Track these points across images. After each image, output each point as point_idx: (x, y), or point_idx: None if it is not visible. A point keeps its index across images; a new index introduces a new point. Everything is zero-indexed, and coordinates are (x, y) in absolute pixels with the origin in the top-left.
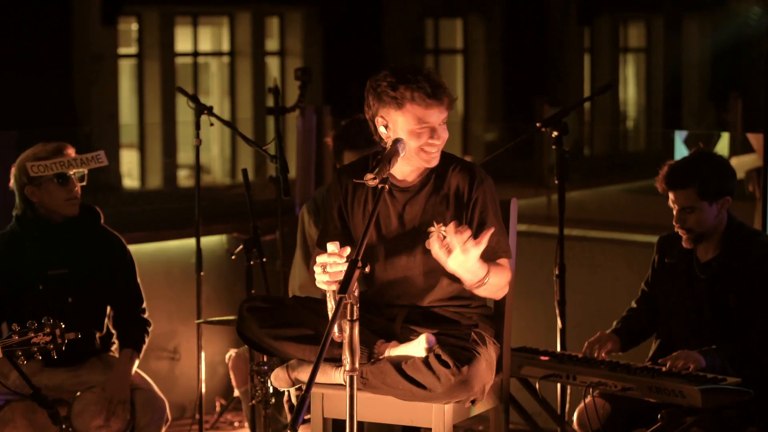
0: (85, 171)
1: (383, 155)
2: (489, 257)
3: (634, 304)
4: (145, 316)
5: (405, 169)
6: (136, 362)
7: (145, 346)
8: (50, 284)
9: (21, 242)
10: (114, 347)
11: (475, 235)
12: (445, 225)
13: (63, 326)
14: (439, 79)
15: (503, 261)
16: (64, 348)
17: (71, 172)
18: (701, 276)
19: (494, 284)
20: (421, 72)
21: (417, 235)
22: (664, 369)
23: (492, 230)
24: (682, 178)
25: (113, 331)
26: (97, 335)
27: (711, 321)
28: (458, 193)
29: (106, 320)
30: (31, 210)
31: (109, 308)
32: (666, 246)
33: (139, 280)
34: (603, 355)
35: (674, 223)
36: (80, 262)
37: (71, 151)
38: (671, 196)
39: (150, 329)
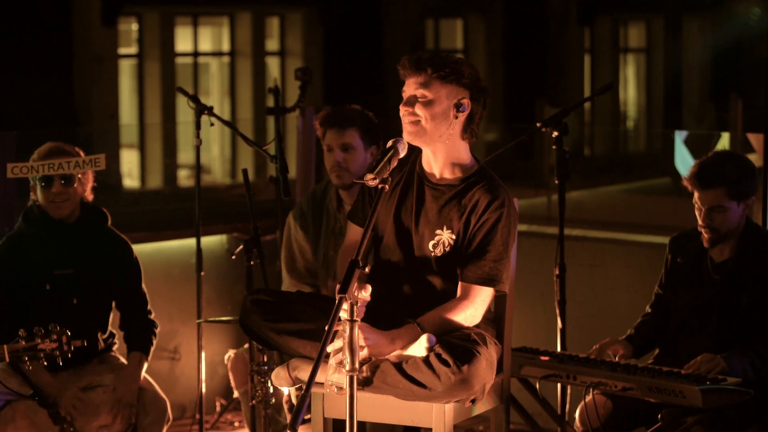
0: (80, 174)
1: (383, 154)
2: (468, 279)
3: (648, 309)
4: (151, 317)
5: (436, 164)
6: (145, 365)
7: (153, 348)
8: (56, 284)
9: (28, 242)
10: (115, 347)
11: (472, 254)
12: (453, 233)
13: (69, 334)
14: (432, 56)
15: (476, 288)
16: (70, 356)
17: (60, 176)
18: (715, 276)
19: (436, 328)
20: (436, 52)
21: (427, 231)
22: (683, 372)
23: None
24: (714, 178)
25: (115, 332)
26: (100, 336)
27: (720, 321)
28: (475, 207)
29: (109, 321)
30: (37, 207)
31: (114, 310)
32: (678, 246)
33: (144, 283)
34: (617, 359)
35: (700, 222)
36: (86, 263)
37: (70, 154)
38: (698, 195)
39: (157, 330)
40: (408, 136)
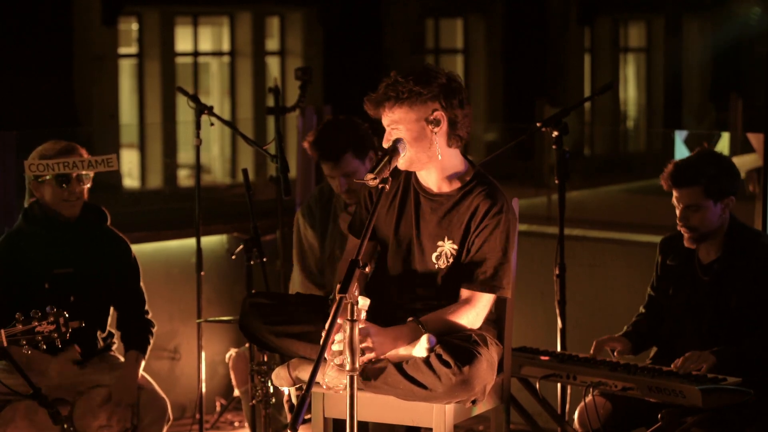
0: (90, 174)
1: (384, 154)
2: (470, 285)
3: (642, 309)
4: (149, 317)
5: (431, 178)
6: (142, 364)
7: (150, 347)
8: (55, 283)
9: (27, 240)
10: (115, 347)
11: (473, 261)
12: (454, 242)
13: (67, 315)
14: (388, 86)
15: (478, 294)
16: (68, 336)
17: (74, 174)
18: (703, 278)
19: (437, 330)
20: (391, 76)
21: (428, 243)
22: (681, 372)
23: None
24: (689, 176)
25: (114, 332)
26: (99, 335)
27: (713, 322)
28: (474, 214)
29: (108, 320)
30: (38, 206)
31: (112, 310)
32: (668, 247)
33: (142, 283)
34: (615, 355)
35: (678, 221)
36: (85, 262)
37: (81, 153)
38: (675, 193)
39: (154, 330)
40: (401, 167)
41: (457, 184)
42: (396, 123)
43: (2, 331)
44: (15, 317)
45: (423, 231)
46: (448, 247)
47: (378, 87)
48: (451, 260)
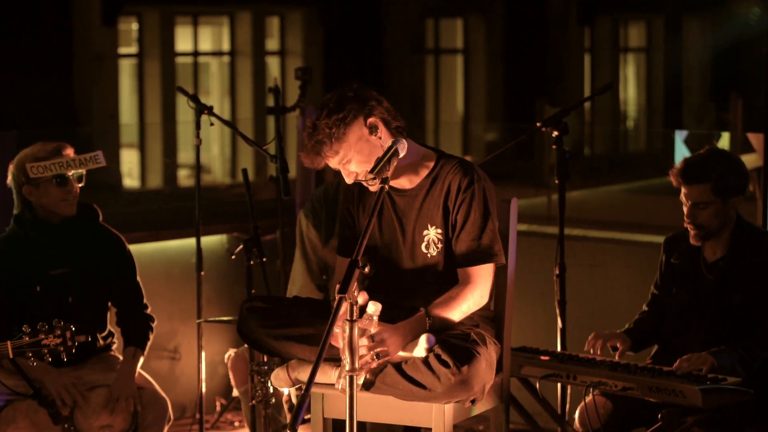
0: (84, 172)
1: (383, 156)
2: (463, 263)
3: (645, 308)
4: (148, 311)
5: (398, 175)
6: (141, 360)
7: (149, 343)
8: (52, 284)
9: (21, 244)
10: (115, 347)
11: (458, 238)
12: (437, 227)
13: (73, 329)
14: (314, 130)
15: (474, 270)
16: (74, 351)
17: (69, 173)
18: (708, 276)
19: (445, 317)
20: (308, 125)
21: (414, 238)
22: (679, 373)
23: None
24: (699, 173)
25: (114, 331)
26: (99, 335)
27: (715, 321)
28: (448, 194)
29: (108, 319)
30: (29, 210)
31: (111, 306)
32: (672, 246)
33: (138, 277)
34: (617, 353)
35: (685, 218)
36: (80, 261)
37: (70, 152)
38: (684, 190)
39: (154, 325)
40: (373, 188)
41: (424, 171)
42: (343, 158)
43: (9, 343)
44: (22, 330)
45: (407, 228)
46: (433, 233)
47: (306, 146)
48: (440, 246)
